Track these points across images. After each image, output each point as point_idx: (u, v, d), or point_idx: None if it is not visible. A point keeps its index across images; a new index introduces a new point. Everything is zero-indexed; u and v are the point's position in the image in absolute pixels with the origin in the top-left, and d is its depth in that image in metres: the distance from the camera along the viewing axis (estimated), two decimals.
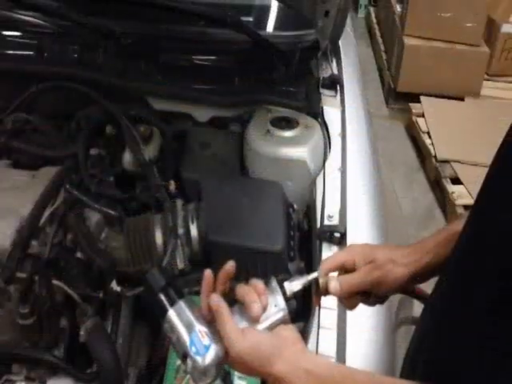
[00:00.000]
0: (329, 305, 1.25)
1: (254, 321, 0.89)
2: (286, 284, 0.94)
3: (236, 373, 1.24)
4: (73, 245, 1.35)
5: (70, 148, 1.56)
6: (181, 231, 1.40)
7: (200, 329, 0.87)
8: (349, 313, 1.23)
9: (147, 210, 1.49)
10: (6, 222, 1.29)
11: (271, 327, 0.89)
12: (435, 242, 1.00)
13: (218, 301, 0.88)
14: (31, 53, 1.76)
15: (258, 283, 0.91)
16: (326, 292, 0.99)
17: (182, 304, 0.89)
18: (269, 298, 0.90)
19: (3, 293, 1.21)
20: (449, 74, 4.14)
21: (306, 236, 1.54)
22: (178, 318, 0.88)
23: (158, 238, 1.39)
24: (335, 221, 1.45)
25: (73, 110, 1.65)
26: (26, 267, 1.24)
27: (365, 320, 1.26)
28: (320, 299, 1.04)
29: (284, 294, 0.92)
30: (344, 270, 1.02)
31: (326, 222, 1.44)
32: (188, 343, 0.86)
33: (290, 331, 0.89)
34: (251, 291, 0.90)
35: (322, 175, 1.59)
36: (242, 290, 0.90)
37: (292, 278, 0.96)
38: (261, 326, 0.89)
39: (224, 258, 0.95)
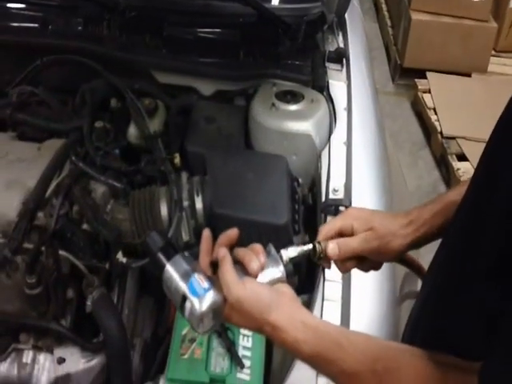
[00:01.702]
0: (333, 277, 1.26)
1: (253, 277, 0.90)
2: (282, 251, 0.97)
3: (241, 343, 1.26)
4: (79, 216, 1.35)
5: (75, 121, 1.56)
6: (186, 204, 1.41)
7: (199, 275, 0.88)
8: (353, 285, 1.24)
9: (152, 183, 1.50)
10: (12, 193, 1.30)
11: (269, 284, 0.91)
12: (432, 213, 1.01)
13: (224, 252, 0.90)
14: (36, 25, 1.75)
15: (256, 245, 0.94)
16: (325, 256, 1.00)
17: (178, 257, 0.91)
18: (267, 260, 0.92)
19: (10, 263, 1.22)
20: (456, 50, 4.10)
21: (311, 210, 1.55)
22: (175, 269, 0.89)
23: (163, 210, 1.40)
24: (340, 194, 1.45)
25: (77, 84, 1.65)
26: (32, 238, 1.26)
27: (369, 293, 1.27)
28: (329, 262, 1.04)
29: (281, 258, 0.95)
30: (341, 235, 1.03)
31: (331, 196, 1.44)
32: (187, 286, 0.87)
33: (288, 289, 0.91)
34: (249, 252, 0.92)
35: (327, 149, 1.59)
36: (241, 251, 0.93)
37: (287, 247, 0.99)
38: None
39: None
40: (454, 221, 0.88)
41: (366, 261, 1.04)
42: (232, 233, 0.95)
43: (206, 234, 0.95)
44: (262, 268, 0.91)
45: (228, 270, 0.88)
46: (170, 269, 0.89)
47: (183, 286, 0.87)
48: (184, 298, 0.87)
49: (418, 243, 1.02)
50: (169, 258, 0.91)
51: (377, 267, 1.07)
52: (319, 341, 0.82)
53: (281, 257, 0.95)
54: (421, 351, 0.79)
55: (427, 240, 1.02)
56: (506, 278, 0.69)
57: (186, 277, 0.88)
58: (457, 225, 0.86)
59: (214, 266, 0.92)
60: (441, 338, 0.85)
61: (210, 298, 0.86)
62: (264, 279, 0.91)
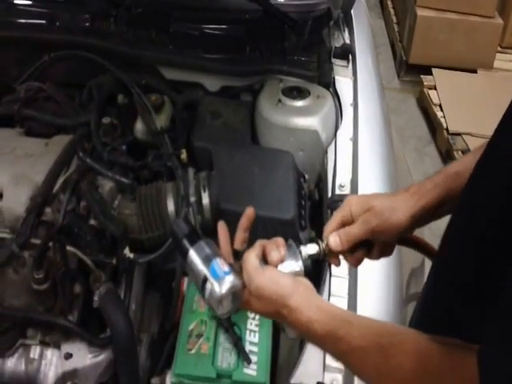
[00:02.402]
0: (340, 273, 1.26)
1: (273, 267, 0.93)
2: (302, 247, 0.98)
3: (247, 339, 1.26)
4: (86, 212, 1.35)
5: (82, 116, 1.56)
6: (192, 199, 1.41)
7: (220, 260, 0.91)
8: (360, 281, 1.24)
9: (159, 179, 1.50)
10: (20, 189, 1.30)
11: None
12: (433, 184, 0.98)
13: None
14: (43, 21, 1.76)
15: (278, 238, 0.96)
16: (329, 251, 1.00)
17: (202, 243, 0.94)
18: (287, 253, 0.95)
19: (18, 258, 1.23)
20: (461, 46, 4.10)
21: (317, 205, 1.55)
22: (198, 254, 0.92)
23: (170, 205, 1.40)
24: (346, 190, 1.45)
25: (85, 79, 1.66)
26: (40, 233, 1.26)
27: (375, 288, 1.27)
28: (337, 258, 1.04)
29: (300, 253, 0.96)
30: (344, 225, 1.01)
31: (338, 192, 1.45)
32: (208, 269, 0.90)
33: (306, 280, 0.93)
34: (271, 243, 0.94)
35: (333, 145, 1.60)
36: (262, 241, 0.95)
37: (306, 244, 1.00)
38: None
39: (235, 226, 0.98)
40: (456, 209, 0.88)
41: (374, 247, 1.02)
42: (249, 212, 0.97)
43: (222, 224, 0.98)
44: (282, 260, 0.93)
45: (251, 258, 0.90)
46: (192, 253, 0.93)
47: (204, 269, 0.90)
48: (205, 281, 0.90)
49: (420, 216, 0.97)
50: (192, 244, 0.94)
51: (387, 252, 1.04)
52: (330, 320, 0.84)
53: (300, 252, 0.96)
54: (424, 333, 0.79)
55: (429, 213, 0.97)
56: (506, 260, 0.70)
57: (207, 261, 0.91)
58: (458, 213, 0.87)
59: (236, 254, 0.95)
60: (443, 323, 0.86)
61: (229, 280, 0.89)
62: (283, 270, 0.93)
